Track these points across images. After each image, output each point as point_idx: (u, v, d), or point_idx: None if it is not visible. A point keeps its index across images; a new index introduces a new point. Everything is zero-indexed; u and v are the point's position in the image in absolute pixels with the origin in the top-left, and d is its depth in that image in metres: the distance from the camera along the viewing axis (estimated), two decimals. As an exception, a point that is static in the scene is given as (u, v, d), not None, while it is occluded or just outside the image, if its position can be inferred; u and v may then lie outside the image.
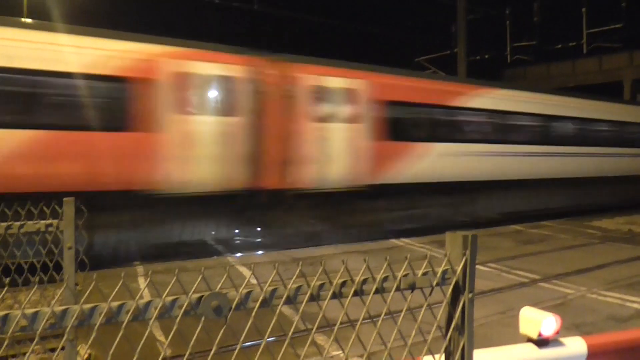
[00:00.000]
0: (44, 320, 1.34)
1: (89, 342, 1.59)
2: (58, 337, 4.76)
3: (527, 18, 27.47)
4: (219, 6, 24.03)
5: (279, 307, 1.49)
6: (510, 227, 16.20)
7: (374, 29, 32.19)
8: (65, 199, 3.01)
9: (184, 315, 1.42)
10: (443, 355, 1.70)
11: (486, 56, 30.21)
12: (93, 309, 1.37)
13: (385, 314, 1.61)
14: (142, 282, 8.67)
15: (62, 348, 3.70)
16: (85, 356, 5.25)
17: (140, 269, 10.05)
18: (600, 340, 2.42)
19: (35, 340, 1.40)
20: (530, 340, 2.28)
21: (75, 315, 1.34)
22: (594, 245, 13.12)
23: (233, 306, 1.44)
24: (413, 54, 33.45)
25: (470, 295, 1.66)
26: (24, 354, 4.44)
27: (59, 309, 1.34)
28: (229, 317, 1.45)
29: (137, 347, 1.48)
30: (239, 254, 11.83)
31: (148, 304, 1.41)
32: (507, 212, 17.77)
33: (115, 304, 1.38)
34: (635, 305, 7.67)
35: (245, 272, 9.65)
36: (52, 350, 4.76)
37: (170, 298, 1.41)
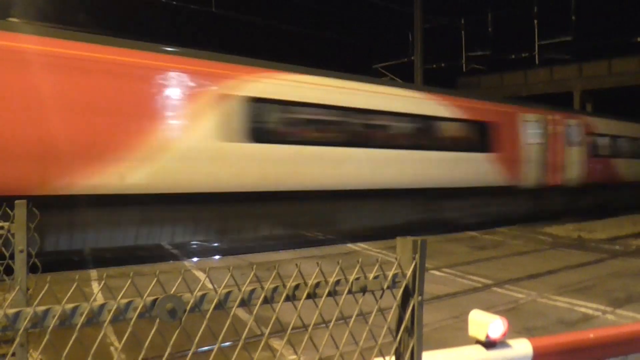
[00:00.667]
0: (-4, 324, 1.33)
1: (41, 347, 1.58)
2: (8, 342, 4.66)
3: (481, 29, 28.09)
4: (175, 7, 23.87)
5: (233, 309, 1.51)
6: (466, 233, 16.49)
7: (333, 36, 32.40)
8: (17, 201, 2.97)
9: (139, 318, 1.44)
10: (394, 357, 1.75)
11: (442, 65, 30.72)
12: (46, 311, 1.37)
13: (338, 318, 1.65)
14: (95, 287, 8.54)
15: (13, 354, 3.63)
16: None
17: (94, 273, 9.90)
18: (544, 342, 2.51)
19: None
20: (478, 342, 2.35)
21: (28, 318, 1.34)
22: (545, 251, 13.46)
23: (187, 308, 1.46)
24: (371, 61, 33.80)
25: (420, 298, 1.72)
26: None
27: (11, 311, 1.34)
28: (183, 319, 1.47)
29: (90, 351, 1.48)
30: (195, 259, 11.76)
31: (102, 306, 1.42)
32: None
33: (69, 306, 1.38)
34: (583, 310, 7.91)
35: (201, 276, 9.60)
36: (3, 356, 4.66)
37: (124, 300, 1.42)
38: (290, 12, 29.51)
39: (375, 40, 32.77)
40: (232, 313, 1.52)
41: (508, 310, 7.78)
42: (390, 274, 1.69)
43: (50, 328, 1.38)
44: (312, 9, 28.20)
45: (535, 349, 2.40)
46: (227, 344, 5.01)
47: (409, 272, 1.70)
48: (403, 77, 30.57)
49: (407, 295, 1.72)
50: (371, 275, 1.68)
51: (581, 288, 9.31)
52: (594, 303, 8.21)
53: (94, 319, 1.42)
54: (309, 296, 1.60)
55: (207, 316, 1.49)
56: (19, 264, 2.84)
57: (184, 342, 1.61)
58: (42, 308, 1.38)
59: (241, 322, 6.07)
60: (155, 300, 1.44)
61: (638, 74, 37.38)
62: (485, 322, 2.31)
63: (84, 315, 1.39)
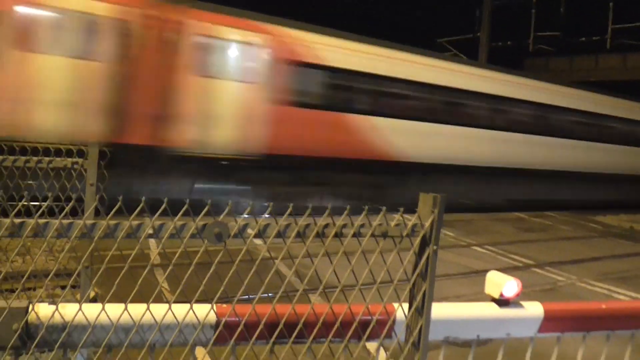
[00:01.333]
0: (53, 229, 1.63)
1: (98, 274, 1.88)
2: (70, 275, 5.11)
3: (553, 8, 27.31)
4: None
5: (269, 239, 1.77)
6: (513, 214, 16.44)
7: (397, 7, 32.08)
8: (91, 141, 3.31)
9: (190, 238, 1.71)
10: (408, 294, 1.99)
11: (508, 43, 30.07)
12: (116, 225, 1.66)
13: (360, 258, 1.89)
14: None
15: (73, 286, 4.02)
16: (92, 295, 5.60)
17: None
18: (556, 307, 2.69)
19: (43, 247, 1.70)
20: (493, 299, 2.56)
21: (102, 228, 1.64)
22: (593, 239, 13.36)
23: (232, 233, 1.72)
24: (435, 34, 33.37)
25: (435, 247, 1.94)
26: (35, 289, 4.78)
27: (89, 221, 1.63)
28: (226, 243, 1.73)
29: (141, 286, 1.76)
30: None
31: (161, 225, 1.70)
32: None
33: (135, 222, 1.67)
34: (621, 297, 7.95)
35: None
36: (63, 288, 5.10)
37: (180, 222, 1.70)
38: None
39: (441, 14, 32.25)
40: (268, 243, 1.77)
41: (545, 291, 7.89)
42: (410, 223, 1.92)
43: (119, 238, 1.67)
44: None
45: (546, 312, 2.59)
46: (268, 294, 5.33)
47: (427, 223, 1.92)
48: (467, 54, 30.15)
49: (424, 244, 1.94)
50: (393, 223, 1.91)
51: (623, 277, 9.30)
52: (633, 292, 8.22)
53: (154, 235, 1.70)
54: (336, 235, 1.84)
55: (248, 242, 1.76)
56: (89, 197, 3.18)
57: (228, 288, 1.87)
58: (113, 222, 1.67)
59: (283, 277, 6.40)
60: (205, 225, 1.71)
61: (622, 70, 36.20)
62: (500, 282, 2.50)
63: (146, 230, 1.67)
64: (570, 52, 38.64)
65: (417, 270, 1.95)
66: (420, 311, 1.96)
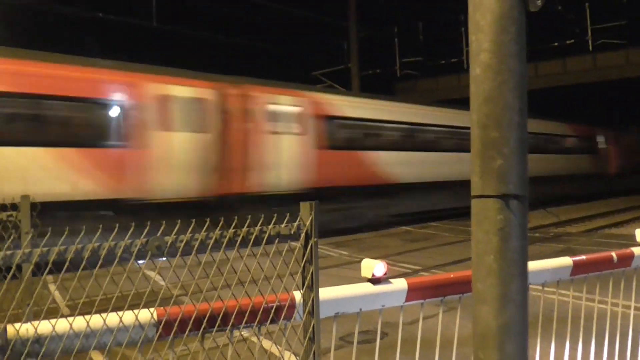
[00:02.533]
0: None
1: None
2: None
3: (413, 36, 29.56)
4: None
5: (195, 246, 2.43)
6: (401, 228, 17.67)
7: (273, 47, 33.32)
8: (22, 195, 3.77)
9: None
10: (301, 278, 2.70)
11: (378, 71, 32.03)
12: (66, 250, 2.25)
13: (263, 254, 2.58)
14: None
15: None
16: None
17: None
18: (416, 280, 3.51)
19: None
20: (368, 280, 3.32)
21: (55, 253, 2.22)
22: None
23: (168, 245, 2.36)
24: (310, 68, 34.83)
25: (315, 240, 2.66)
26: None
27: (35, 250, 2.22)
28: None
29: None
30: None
31: (116, 244, 2.31)
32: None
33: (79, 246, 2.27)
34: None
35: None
36: None
37: (129, 241, 2.31)
38: (231, 25, 30.20)
39: (313, 49, 33.80)
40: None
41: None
42: (295, 224, 2.63)
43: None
44: (249, 21, 29.04)
45: (409, 285, 3.39)
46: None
47: (307, 223, 2.65)
48: (341, 84, 31.78)
49: (307, 238, 2.66)
50: (283, 225, 2.62)
51: (497, 269, 10.49)
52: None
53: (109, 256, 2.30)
54: (243, 239, 2.52)
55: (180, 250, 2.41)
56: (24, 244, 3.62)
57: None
58: (56, 249, 2.26)
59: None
60: (147, 240, 2.33)
61: (561, 75, 39.78)
62: (371, 266, 3.27)
63: (105, 250, 2.27)
64: (435, 74, 41.55)
65: (305, 257, 2.67)
66: (311, 287, 2.68)
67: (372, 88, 31.93)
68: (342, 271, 10.51)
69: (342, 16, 29.35)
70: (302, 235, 2.66)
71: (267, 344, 2.93)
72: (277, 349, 2.87)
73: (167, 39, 29.29)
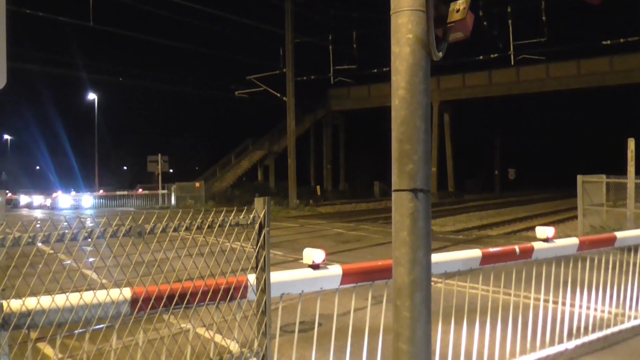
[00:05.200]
0: None
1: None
2: None
3: (348, 45, 30.46)
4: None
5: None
6: (333, 230, 18.37)
7: (208, 49, 33.57)
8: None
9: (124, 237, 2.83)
10: (255, 261, 3.25)
11: (312, 77, 32.76)
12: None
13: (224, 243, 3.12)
14: None
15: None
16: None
17: None
18: (350, 267, 4.12)
19: None
20: (309, 266, 3.91)
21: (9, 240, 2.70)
22: (399, 242, 15.56)
23: (148, 230, 2.86)
24: (245, 72, 35.25)
25: (267, 229, 3.22)
26: None
27: None
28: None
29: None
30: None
31: (103, 230, 2.80)
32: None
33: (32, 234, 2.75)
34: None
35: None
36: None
37: (116, 227, 2.80)
38: (166, 27, 30.31)
39: (249, 53, 34.30)
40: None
41: (360, 285, 9.52)
42: (251, 215, 3.19)
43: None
44: (188, 25, 29.23)
45: (344, 270, 3.99)
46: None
47: (261, 215, 3.21)
48: (276, 88, 32.39)
49: (261, 227, 3.22)
50: (241, 216, 3.16)
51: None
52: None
53: (89, 237, 2.79)
54: (204, 228, 3.05)
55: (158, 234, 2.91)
56: None
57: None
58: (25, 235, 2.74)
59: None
60: (131, 227, 2.83)
61: (487, 86, 41.68)
62: (312, 254, 3.86)
63: (83, 233, 2.76)
64: (368, 82, 42.78)
65: (259, 244, 3.23)
66: (264, 269, 3.24)
67: (307, 93, 32.68)
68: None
69: (279, 23, 29.97)
70: (257, 225, 3.22)
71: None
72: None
73: (103, 38, 29.11)
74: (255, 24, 29.65)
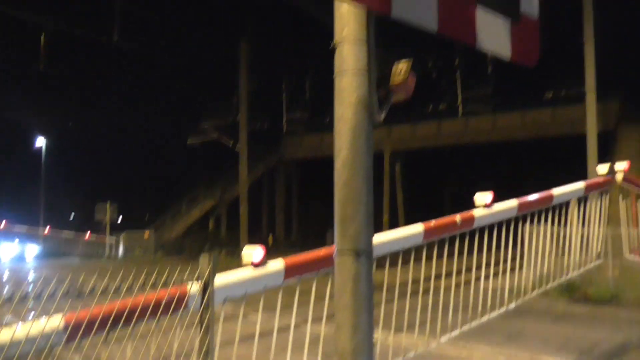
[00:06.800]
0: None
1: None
2: None
3: (301, 94, 30.87)
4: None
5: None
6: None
7: (160, 93, 33.43)
8: None
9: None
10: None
11: (265, 126, 32.96)
12: None
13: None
14: None
15: None
16: None
17: None
18: (293, 260, 4.00)
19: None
20: (251, 264, 3.80)
21: None
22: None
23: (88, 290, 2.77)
24: (199, 120, 35.21)
25: (212, 289, 3.17)
26: None
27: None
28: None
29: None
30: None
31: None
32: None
33: None
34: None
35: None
36: None
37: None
38: (120, 73, 30.06)
39: (204, 101, 34.30)
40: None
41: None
42: (197, 272, 3.14)
43: None
44: (138, 72, 29.15)
45: (286, 265, 3.90)
46: None
47: (206, 274, 3.16)
48: (229, 137, 32.39)
49: (205, 287, 3.16)
50: (187, 272, 3.11)
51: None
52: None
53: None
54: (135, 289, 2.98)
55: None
56: None
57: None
58: None
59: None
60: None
61: (437, 136, 42.57)
62: (251, 252, 3.77)
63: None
64: (320, 131, 43.17)
65: (202, 304, 3.17)
66: (208, 353, 3.17)
67: (260, 141, 32.81)
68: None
69: (233, 71, 30.16)
70: (201, 285, 3.16)
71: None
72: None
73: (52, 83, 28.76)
74: (208, 72, 29.70)
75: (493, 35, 2.52)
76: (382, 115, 2.51)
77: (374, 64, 2.39)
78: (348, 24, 2.39)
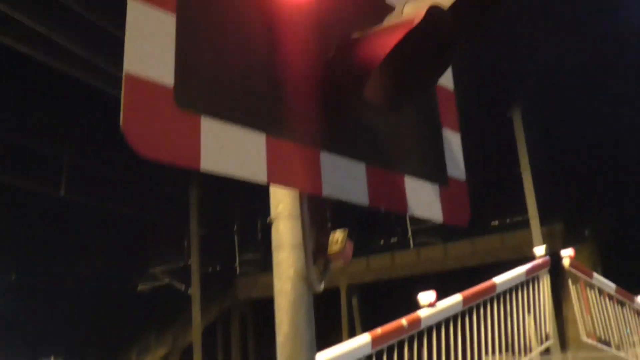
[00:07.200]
0: None
1: None
2: None
3: (252, 235, 30.93)
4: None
5: None
6: None
7: (107, 242, 32.94)
8: None
9: None
10: None
11: (218, 268, 32.60)
12: None
13: None
14: None
15: None
16: None
17: None
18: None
19: None
20: None
21: None
22: None
23: None
24: (149, 265, 34.59)
25: None
26: None
27: None
28: None
29: None
30: None
31: None
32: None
33: None
34: None
35: None
36: None
37: None
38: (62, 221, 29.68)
39: (153, 245, 33.91)
40: None
41: None
42: None
43: None
44: (83, 218, 28.86)
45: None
46: None
47: None
48: (181, 281, 31.78)
49: None
50: None
51: None
52: None
53: None
54: None
55: None
56: None
57: None
58: None
59: None
60: None
61: (391, 268, 42.78)
62: None
63: None
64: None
65: None
66: None
67: (213, 283, 32.26)
68: None
69: (183, 214, 30.15)
70: None
71: None
72: None
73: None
74: (158, 217, 29.68)
75: (423, 201, 2.62)
76: (322, 286, 2.53)
77: (309, 238, 2.44)
78: (282, 201, 2.45)
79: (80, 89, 19.76)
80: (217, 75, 1.84)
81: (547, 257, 7.47)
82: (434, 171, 2.72)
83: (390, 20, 2.12)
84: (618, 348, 8.11)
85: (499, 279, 6.56)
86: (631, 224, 28.11)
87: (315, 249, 2.50)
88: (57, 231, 29.53)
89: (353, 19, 2.33)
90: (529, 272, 7.09)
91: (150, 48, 1.69)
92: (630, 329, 8.59)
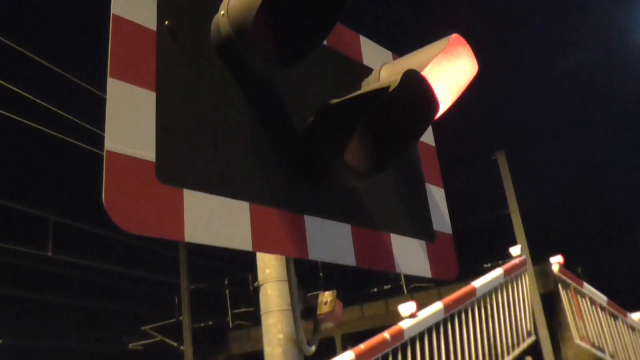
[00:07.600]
0: None
1: None
2: None
3: (244, 288, 30.57)
4: None
5: None
6: None
7: (97, 301, 32.45)
8: None
9: None
10: None
11: (210, 323, 32.10)
12: None
13: None
14: None
15: None
16: None
17: None
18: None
19: None
20: None
21: None
22: None
23: None
24: (139, 323, 33.96)
25: None
26: None
27: None
28: None
29: None
30: None
31: None
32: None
33: None
34: None
35: None
36: None
37: None
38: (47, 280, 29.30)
39: (142, 303, 33.43)
40: None
41: None
42: None
43: None
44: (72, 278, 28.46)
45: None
46: None
47: None
48: (173, 337, 31.18)
49: None
50: None
51: None
52: None
53: None
54: None
55: None
56: None
57: None
58: None
59: None
60: None
61: (385, 315, 42.31)
62: None
63: None
64: (267, 321, 42.28)
65: None
66: None
67: (206, 338, 31.71)
68: None
69: (173, 270, 29.85)
70: None
71: None
72: None
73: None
74: (148, 274, 29.36)
75: (411, 258, 2.62)
76: (313, 348, 2.49)
77: (297, 301, 2.42)
78: (269, 266, 2.45)
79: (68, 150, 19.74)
80: (197, 148, 1.86)
81: (524, 257, 7.52)
82: (420, 228, 2.73)
83: (367, 84, 2.16)
84: (613, 357, 8.08)
85: (478, 283, 6.52)
86: (622, 261, 28.23)
87: (304, 311, 2.48)
88: (45, 291, 29.07)
89: (331, 82, 2.37)
90: (507, 272, 7.10)
91: (131, 125, 1.71)
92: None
